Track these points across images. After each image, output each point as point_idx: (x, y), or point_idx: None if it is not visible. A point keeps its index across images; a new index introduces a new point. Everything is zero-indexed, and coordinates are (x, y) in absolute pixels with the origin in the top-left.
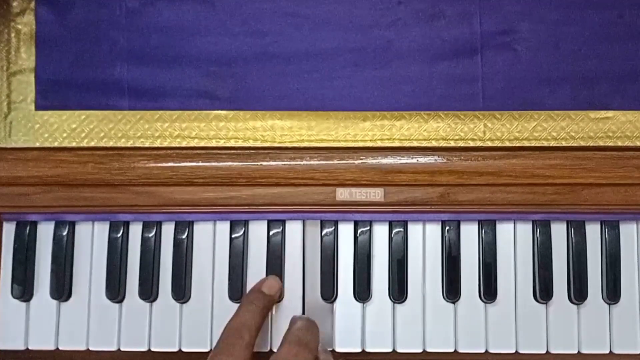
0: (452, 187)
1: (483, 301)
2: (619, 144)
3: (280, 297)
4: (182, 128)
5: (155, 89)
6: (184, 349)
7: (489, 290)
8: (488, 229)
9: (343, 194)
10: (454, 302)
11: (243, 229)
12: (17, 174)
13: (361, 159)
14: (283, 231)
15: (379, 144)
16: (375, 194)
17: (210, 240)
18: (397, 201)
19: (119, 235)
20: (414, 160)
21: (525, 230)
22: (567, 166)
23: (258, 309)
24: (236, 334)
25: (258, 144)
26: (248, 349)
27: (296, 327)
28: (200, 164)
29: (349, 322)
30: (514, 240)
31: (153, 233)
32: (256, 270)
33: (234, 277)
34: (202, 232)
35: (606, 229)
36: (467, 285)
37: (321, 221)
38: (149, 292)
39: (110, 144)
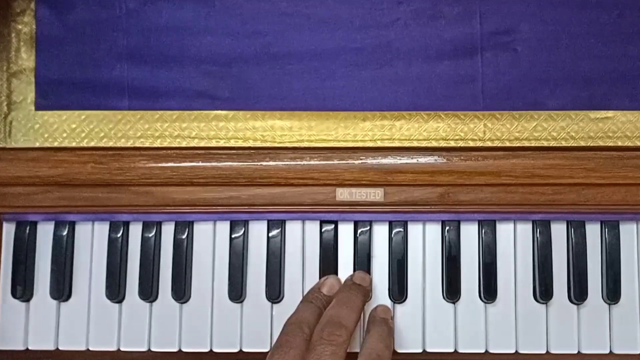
0: (452, 187)
1: (483, 301)
2: (619, 144)
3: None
4: (182, 128)
5: (155, 89)
6: (184, 349)
7: (489, 290)
8: (488, 229)
9: (343, 194)
10: (454, 302)
11: (243, 229)
12: (17, 174)
13: (361, 159)
14: (283, 231)
15: (379, 144)
16: (375, 194)
17: (210, 240)
18: (397, 201)
19: (119, 235)
20: (414, 160)
21: (525, 230)
22: (567, 166)
23: (316, 307)
24: (296, 328)
25: (258, 144)
26: (307, 342)
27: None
28: (200, 164)
29: None
30: (514, 240)
31: (153, 233)
32: (256, 271)
33: (234, 277)
34: (202, 232)
35: (606, 229)
36: (467, 285)
37: (321, 221)
38: (149, 292)
39: (110, 144)
